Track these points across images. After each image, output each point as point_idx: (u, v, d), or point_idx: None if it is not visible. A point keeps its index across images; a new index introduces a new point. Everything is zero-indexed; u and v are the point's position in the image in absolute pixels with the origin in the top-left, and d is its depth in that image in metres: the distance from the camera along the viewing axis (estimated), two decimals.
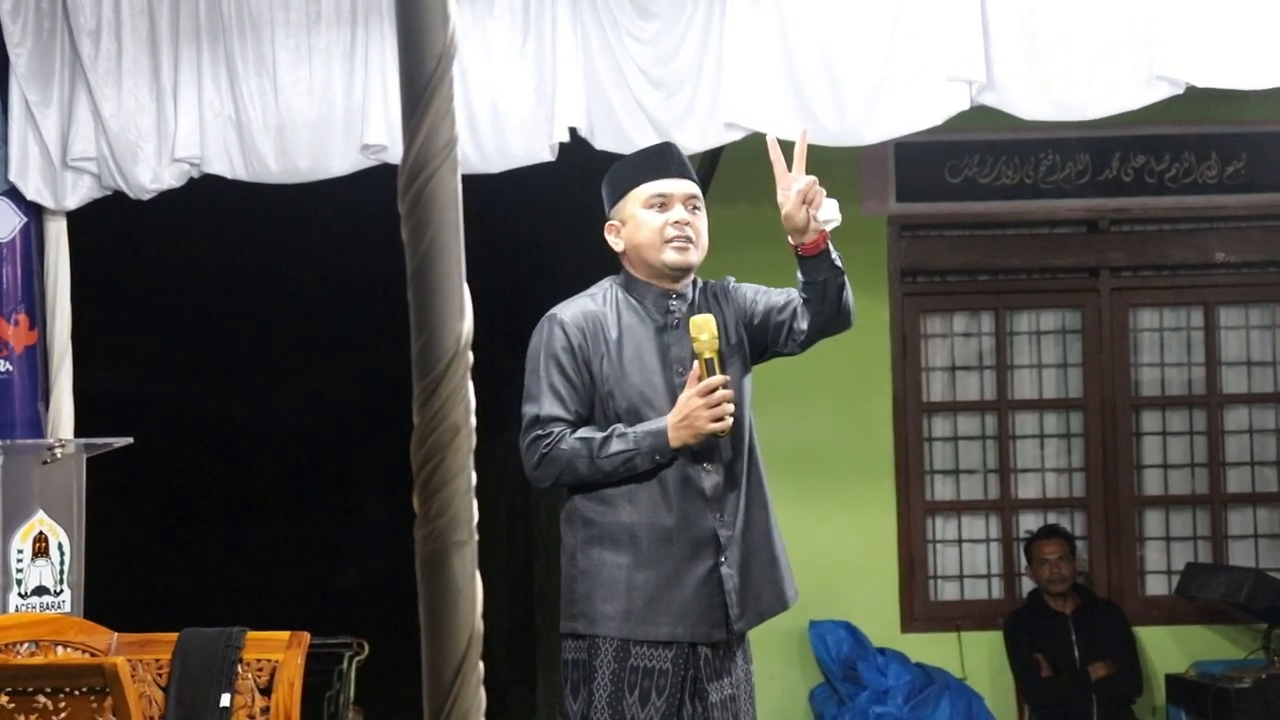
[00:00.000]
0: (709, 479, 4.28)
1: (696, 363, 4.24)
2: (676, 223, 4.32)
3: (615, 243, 4.40)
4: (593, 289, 4.44)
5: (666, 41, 6.00)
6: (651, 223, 4.33)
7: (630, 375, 4.28)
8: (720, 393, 4.19)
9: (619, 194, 4.40)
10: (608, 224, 4.42)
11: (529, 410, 4.28)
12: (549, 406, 4.25)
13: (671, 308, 4.36)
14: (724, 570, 4.27)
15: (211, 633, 4.94)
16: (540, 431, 4.24)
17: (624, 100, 6.00)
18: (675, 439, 4.20)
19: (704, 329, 4.23)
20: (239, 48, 6.09)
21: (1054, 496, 7.84)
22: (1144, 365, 7.87)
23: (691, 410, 4.19)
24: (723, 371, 4.24)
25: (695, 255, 4.36)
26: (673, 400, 4.27)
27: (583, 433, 4.24)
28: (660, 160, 4.43)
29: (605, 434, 4.22)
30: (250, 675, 4.88)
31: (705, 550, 4.26)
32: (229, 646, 4.89)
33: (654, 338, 4.33)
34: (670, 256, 4.32)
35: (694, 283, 4.42)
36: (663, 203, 4.34)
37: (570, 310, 4.35)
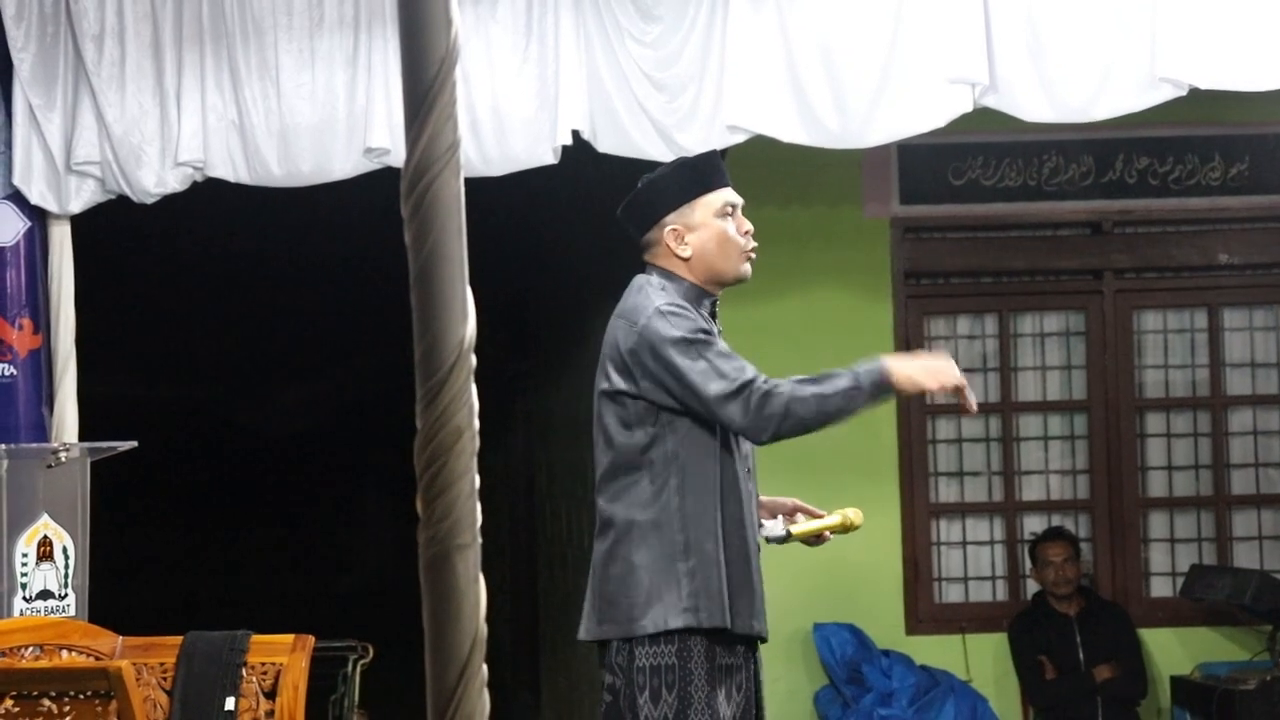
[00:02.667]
0: (752, 481, 4.37)
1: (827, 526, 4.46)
2: (748, 233, 4.36)
3: (681, 248, 4.30)
4: (657, 283, 4.31)
5: (669, 44, 6.00)
6: (730, 232, 4.32)
7: None
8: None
9: (684, 198, 4.33)
10: (667, 228, 4.30)
11: (713, 374, 4.14)
12: (732, 360, 4.16)
13: (715, 312, 4.41)
14: (760, 570, 4.37)
15: (216, 636, 4.95)
16: (741, 381, 4.12)
17: (627, 103, 6.01)
18: (904, 382, 4.16)
19: (852, 524, 4.52)
20: (242, 52, 6.09)
21: (1058, 498, 7.83)
22: (1148, 367, 7.85)
23: (936, 365, 4.24)
24: None
25: None
26: None
27: (795, 378, 4.16)
28: (721, 168, 4.45)
29: (819, 374, 4.16)
30: (255, 678, 4.88)
31: (755, 548, 4.35)
32: (234, 650, 4.89)
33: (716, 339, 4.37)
34: (746, 269, 4.37)
35: None
36: (732, 212, 4.36)
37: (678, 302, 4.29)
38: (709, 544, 4.20)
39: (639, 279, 4.36)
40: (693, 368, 4.15)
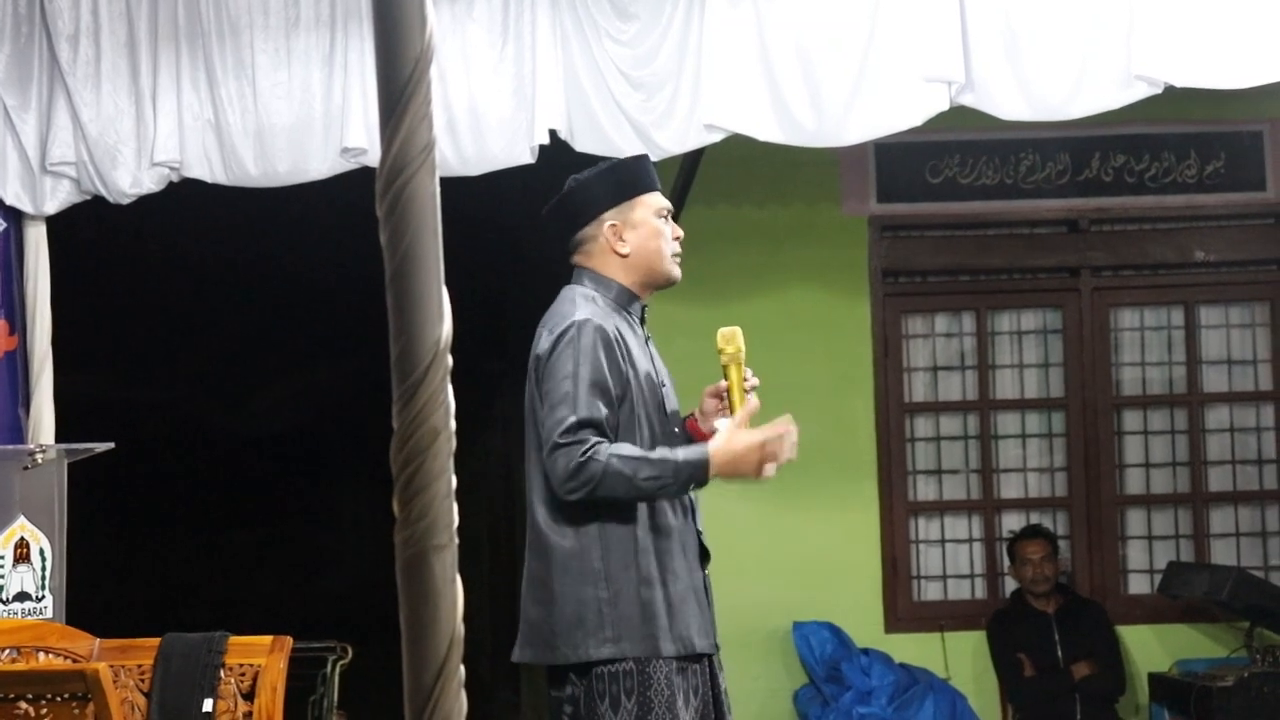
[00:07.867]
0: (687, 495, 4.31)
1: (729, 375, 4.27)
2: (678, 238, 4.37)
3: (620, 244, 4.30)
4: (585, 293, 4.31)
5: (646, 43, 6.00)
6: (665, 234, 4.33)
7: (638, 380, 4.26)
8: (790, 439, 4.17)
9: (626, 195, 4.33)
10: (607, 223, 4.30)
11: (563, 414, 4.13)
12: (584, 410, 4.11)
13: (645, 317, 4.41)
14: (708, 580, 4.33)
15: (194, 638, 4.93)
16: (575, 438, 4.10)
17: (604, 102, 6.00)
18: (719, 473, 4.15)
19: (733, 341, 4.29)
20: (218, 51, 6.07)
21: (1036, 496, 7.85)
22: (1125, 364, 7.88)
23: (752, 455, 4.15)
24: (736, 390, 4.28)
25: None
26: (662, 406, 4.28)
27: (622, 450, 4.11)
28: (653, 173, 4.46)
29: (641, 455, 4.11)
30: (233, 680, 4.87)
31: (696, 559, 4.30)
32: (211, 651, 4.88)
33: (643, 345, 4.35)
34: (676, 271, 4.37)
35: None
36: (667, 216, 4.38)
37: (597, 316, 4.23)
38: (628, 572, 4.17)
39: (566, 290, 4.35)
40: (557, 399, 4.16)
